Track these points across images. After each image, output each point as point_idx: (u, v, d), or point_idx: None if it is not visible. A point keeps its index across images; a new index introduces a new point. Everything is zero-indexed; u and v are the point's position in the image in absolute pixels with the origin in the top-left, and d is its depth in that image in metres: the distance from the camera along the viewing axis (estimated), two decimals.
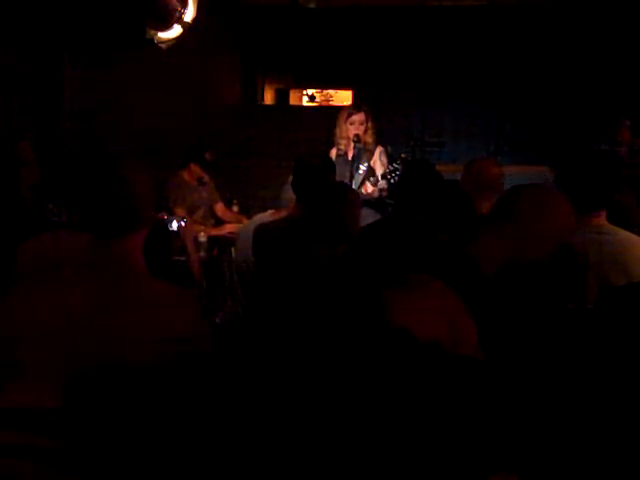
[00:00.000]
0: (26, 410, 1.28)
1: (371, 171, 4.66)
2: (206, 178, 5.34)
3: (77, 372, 1.36)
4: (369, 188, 4.57)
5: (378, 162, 4.69)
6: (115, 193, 1.75)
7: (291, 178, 3.51)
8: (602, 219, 2.66)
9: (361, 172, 4.62)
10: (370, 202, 4.54)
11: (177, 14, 4.99)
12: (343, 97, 8.42)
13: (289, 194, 3.58)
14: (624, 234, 2.65)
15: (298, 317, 2.02)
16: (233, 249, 4.07)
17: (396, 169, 4.49)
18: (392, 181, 4.44)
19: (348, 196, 3.00)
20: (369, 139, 4.65)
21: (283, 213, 3.50)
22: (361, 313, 1.52)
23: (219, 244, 4.74)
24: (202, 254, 4.38)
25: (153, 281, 1.80)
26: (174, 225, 3.79)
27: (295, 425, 1.35)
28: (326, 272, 2.24)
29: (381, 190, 4.52)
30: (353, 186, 4.54)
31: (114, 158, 1.85)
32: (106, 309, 1.64)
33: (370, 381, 1.33)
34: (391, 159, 4.82)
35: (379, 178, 4.55)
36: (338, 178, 3.94)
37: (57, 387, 1.31)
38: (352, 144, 4.58)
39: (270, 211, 3.74)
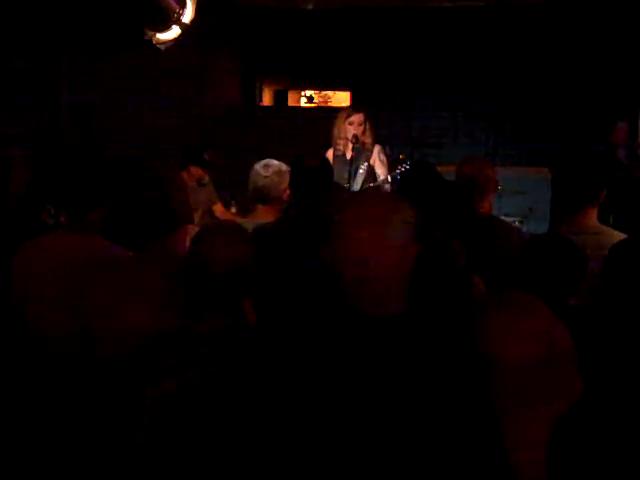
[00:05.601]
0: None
1: (371, 170, 4.64)
2: (206, 179, 5.33)
3: None
4: None
5: (377, 161, 4.68)
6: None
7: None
8: (589, 219, 2.62)
9: (361, 172, 4.61)
10: None
11: (175, 15, 4.98)
12: (341, 98, 8.41)
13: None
14: (609, 233, 2.60)
15: (300, 315, 2.02)
16: None
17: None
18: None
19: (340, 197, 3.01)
20: (367, 139, 4.65)
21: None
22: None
23: None
24: None
25: None
26: None
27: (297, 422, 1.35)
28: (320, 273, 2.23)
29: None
30: (353, 187, 4.53)
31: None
32: None
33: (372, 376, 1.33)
34: (389, 160, 4.81)
35: (388, 179, 4.47)
36: (336, 179, 3.92)
37: None
38: (350, 145, 4.57)
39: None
